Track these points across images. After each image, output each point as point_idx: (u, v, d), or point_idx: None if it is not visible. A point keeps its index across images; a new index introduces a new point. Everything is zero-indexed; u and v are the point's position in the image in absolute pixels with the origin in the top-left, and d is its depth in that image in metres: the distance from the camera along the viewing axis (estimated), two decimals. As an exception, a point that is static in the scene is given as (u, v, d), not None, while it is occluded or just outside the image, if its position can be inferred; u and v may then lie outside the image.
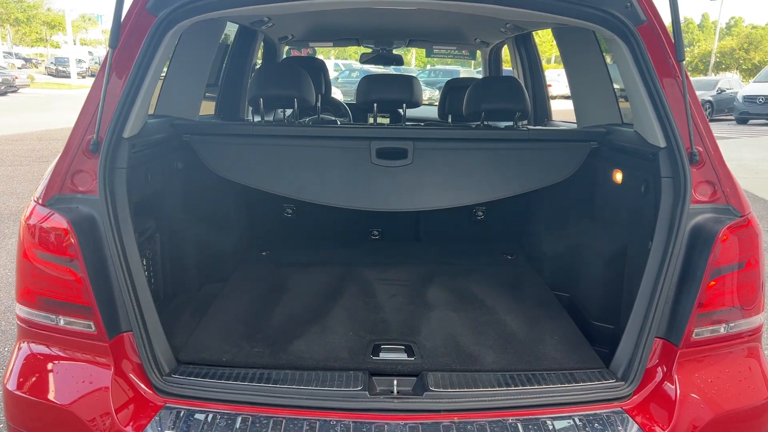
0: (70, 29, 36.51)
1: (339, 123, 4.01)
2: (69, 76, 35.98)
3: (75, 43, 39.01)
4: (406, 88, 2.83)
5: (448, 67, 26.89)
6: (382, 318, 2.41)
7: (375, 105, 2.79)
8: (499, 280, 2.87)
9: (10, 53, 46.33)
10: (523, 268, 3.08)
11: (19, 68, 37.72)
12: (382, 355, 2.10)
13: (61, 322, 1.84)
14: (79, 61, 38.79)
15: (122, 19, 1.96)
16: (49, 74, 40.74)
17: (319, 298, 2.59)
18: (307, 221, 3.35)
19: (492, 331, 2.30)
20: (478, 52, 5.19)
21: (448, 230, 3.41)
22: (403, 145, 2.62)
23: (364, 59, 5.03)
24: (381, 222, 3.40)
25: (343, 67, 28.92)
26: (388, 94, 2.84)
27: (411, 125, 2.97)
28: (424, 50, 5.53)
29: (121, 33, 1.95)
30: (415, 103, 2.84)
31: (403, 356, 2.09)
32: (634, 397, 1.84)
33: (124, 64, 1.97)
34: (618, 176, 2.45)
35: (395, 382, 1.89)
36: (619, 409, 1.81)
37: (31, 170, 9.62)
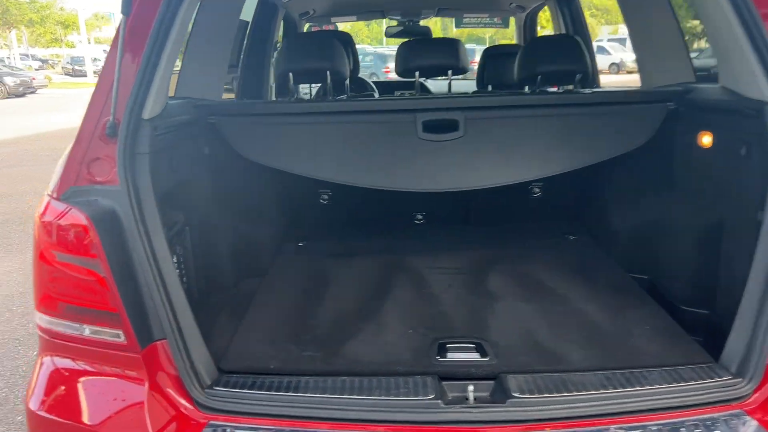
0: (83, 28, 36.61)
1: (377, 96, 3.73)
2: (85, 75, 36.17)
3: (89, 42, 39.17)
4: (451, 52, 2.55)
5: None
6: (441, 312, 2.14)
7: (417, 73, 2.51)
8: (565, 264, 2.57)
9: (26, 55, 46.73)
10: (590, 249, 2.78)
11: (36, 70, 38.02)
12: (450, 356, 1.82)
13: (87, 332, 1.62)
14: (95, 59, 38.94)
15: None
16: (66, 74, 41.03)
17: (368, 292, 2.33)
18: (344, 207, 3.09)
19: (571, 324, 2.02)
20: (511, 20, 4.86)
21: (502, 210, 3.10)
22: (453, 116, 2.33)
23: (390, 33, 4.74)
24: (426, 204, 3.12)
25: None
26: (432, 59, 2.55)
27: (458, 94, 2.68)
28: (441, 28, 5.21)
29: (135, -2, 1.71)
30: (462, 69, 2.56)
31: (476, 356, 1.82)
32: (755, 395, 1.56)
33: (139, 34, 1.72)
34: (705, 139, 2.14)
35: (471, 387, 1.63)
36: (739, 410, 1.53)
37: (52, 169, 9.51)
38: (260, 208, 2.74)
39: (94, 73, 36.52)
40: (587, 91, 2.46)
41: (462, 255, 2.69)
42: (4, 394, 3.31)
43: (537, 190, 3.02)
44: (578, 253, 2.73)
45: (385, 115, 2.39)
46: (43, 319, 1.69)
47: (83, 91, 29.77)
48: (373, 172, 2.39)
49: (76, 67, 39.73)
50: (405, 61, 2.56)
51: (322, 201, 3.06)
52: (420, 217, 3.17)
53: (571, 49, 2.50)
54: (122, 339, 1.58)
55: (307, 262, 2.71)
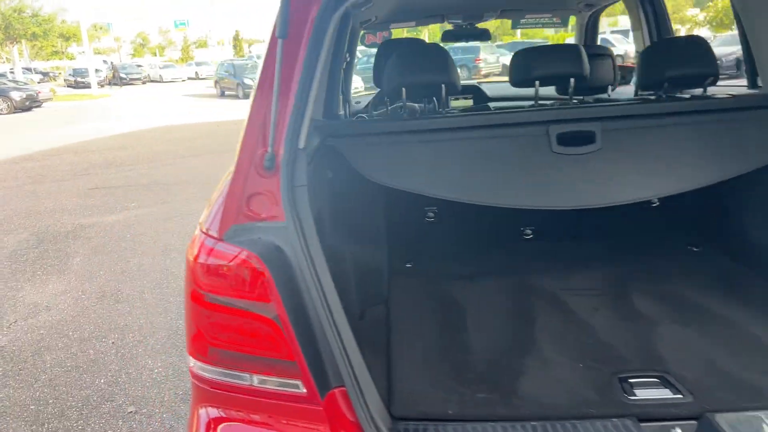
0: (86, 39, 36.46)
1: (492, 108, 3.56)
2: (88, 87, 36.07)
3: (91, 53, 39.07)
4: (573, 58, 2.40)
5: (468, 44, 26.22)
6: (602, 341, 1.99)
7: (537, 82, 2.37)
8: (706, 280, 2.41)
9: (28, 69, 46.66)
10: (724, 262, 2.61)
11: (38, 83, 37.93)
12: (639, 393, 1.67)
13: (255, 382, 1.49)
14: (97, 70, 38.86)
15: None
16: (68, 86, 40.92)
17: (511, 319, 2.17)
18: (450, 224, 2.93)
19: (754, 350, 1.86)
20: (571, 20, 4.72)
21: (616, 223, 2.94)
22: (590, 127, 2.19)
23: (448, 35, 4.59)
24: (534, 218, 2.96)
25: (360, 54, 28.38)
26: (555, 68, 2.41)
27: (585, 103, 2.54)
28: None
29: (290, 19, 1.58)
30: (585, 76, 2.42)
31: (667, 392, 1.67)
32: None
33: (290, 58, 1.60)
34: None
35: (678, 430, 1.49)
36: None
37: (75, 185, 9.39)
38: (375, 230, 2.59)
39: (97, 84, 36.40)
40: (727, 95, 2.32)
41: (591, 273, 2.53)
42: (80, 427, 3.17)
43: (656, 200, 2.86)
44: (713, 267, 2.57)
45: (515, 129, 2.25)
46: (199, 366, 1.56)
47: (88, 103, 29.64)
48: (504, 190, 2.24)
49: (79, 79, 39.62)
50: (525, 70, 2.42)
51: (428, 219, 2.91)
52: (529, 231, 3.01)
53: (703, 51, 2.35)
54: (301, 390, 1.45)
55: (425, 285, 2.55)
